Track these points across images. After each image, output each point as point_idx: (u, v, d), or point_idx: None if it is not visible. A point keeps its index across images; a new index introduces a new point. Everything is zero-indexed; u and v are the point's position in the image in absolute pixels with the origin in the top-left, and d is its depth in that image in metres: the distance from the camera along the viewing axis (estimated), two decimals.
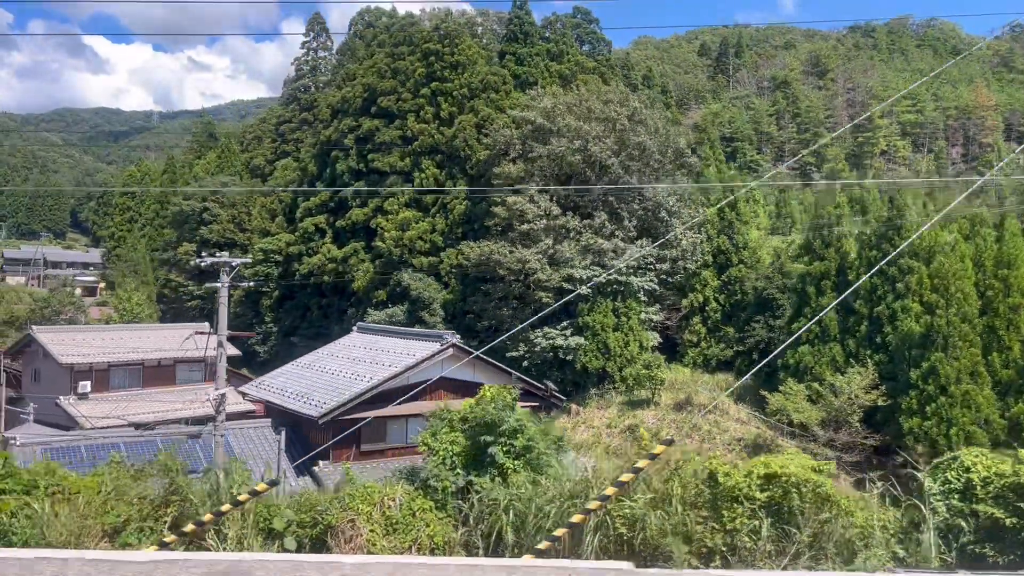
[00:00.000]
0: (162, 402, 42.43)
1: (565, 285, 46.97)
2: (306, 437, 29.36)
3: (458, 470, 10.23)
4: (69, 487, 10.38)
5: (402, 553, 9.29)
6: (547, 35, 61.56)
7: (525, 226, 47.20)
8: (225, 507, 8.40)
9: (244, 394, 33.72)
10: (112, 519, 9.32)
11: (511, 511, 9.25)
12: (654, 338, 48.90)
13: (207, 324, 51.22)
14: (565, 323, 47.81)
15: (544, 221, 47.73)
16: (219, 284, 21.54)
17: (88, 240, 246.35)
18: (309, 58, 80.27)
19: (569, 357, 46.69)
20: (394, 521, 9.50)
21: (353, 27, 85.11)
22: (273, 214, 72.12)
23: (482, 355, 30.95)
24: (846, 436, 35.48)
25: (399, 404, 29.50)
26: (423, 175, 55.66)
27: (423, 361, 28.99)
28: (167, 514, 9.34)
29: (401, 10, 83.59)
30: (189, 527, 8.30)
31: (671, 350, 51.58)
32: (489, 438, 10.19)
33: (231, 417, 43.35)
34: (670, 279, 50.58)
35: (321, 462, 27.84)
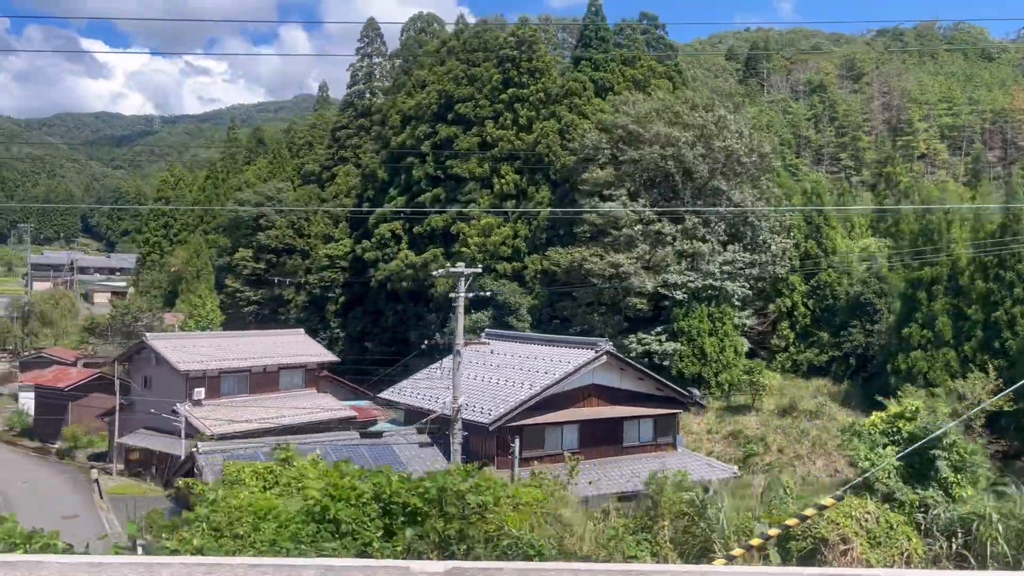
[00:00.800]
0: (271, 408, 42.52)
1: (661, 290, 47.29)
2: (463, 442, 29.51)
3: (900, 483, 10.46)
4: (521, 498, 10.60)
5: (891, 567, 9.50)
6: (620, 40, 61.88)
7: (624, 231, 47.44)
8: (792, 521, 8.62)
9: (388, 401, 33.78)
10: (611, 531, 9.56)
11: (1001, 525, 9.50)
12: (744, 343, 49.18)
13: (301, 330, 51.50)
14: (659, 328, 48.10)
15: (639, 227, 48.00)
16: (458, 294, 21.70)
17: (100, 245, 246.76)
18: (363, 64, 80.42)
19: (665, 363, 46.89)
20: (875, 535, 9.74)
21: (404, 33, 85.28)
22: (336, 220, 72.27)
23: (635, 364, 31.23)
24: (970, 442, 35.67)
25: (555, 412, 29.82)
26: (503, 181, 55.91)
27: (581, 368, 29.23)
28: (661, 527, 9.57)
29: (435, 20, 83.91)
30: (755, 541, 8.50)
31: (755, 355, 51.78)
32: (936, 452, 10.42)
33: (336, 424, 43.54)
34: (757, 284, 50.86)
35: (486, 469, 28.03)
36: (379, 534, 9.67)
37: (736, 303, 48.36)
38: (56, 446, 46.01)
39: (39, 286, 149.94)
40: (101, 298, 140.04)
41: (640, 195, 50.00)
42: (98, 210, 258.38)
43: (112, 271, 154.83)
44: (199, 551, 9.23)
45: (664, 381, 32.25)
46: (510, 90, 57.26)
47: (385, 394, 34.01)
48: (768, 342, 51.82)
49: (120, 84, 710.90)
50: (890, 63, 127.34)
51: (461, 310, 23.45)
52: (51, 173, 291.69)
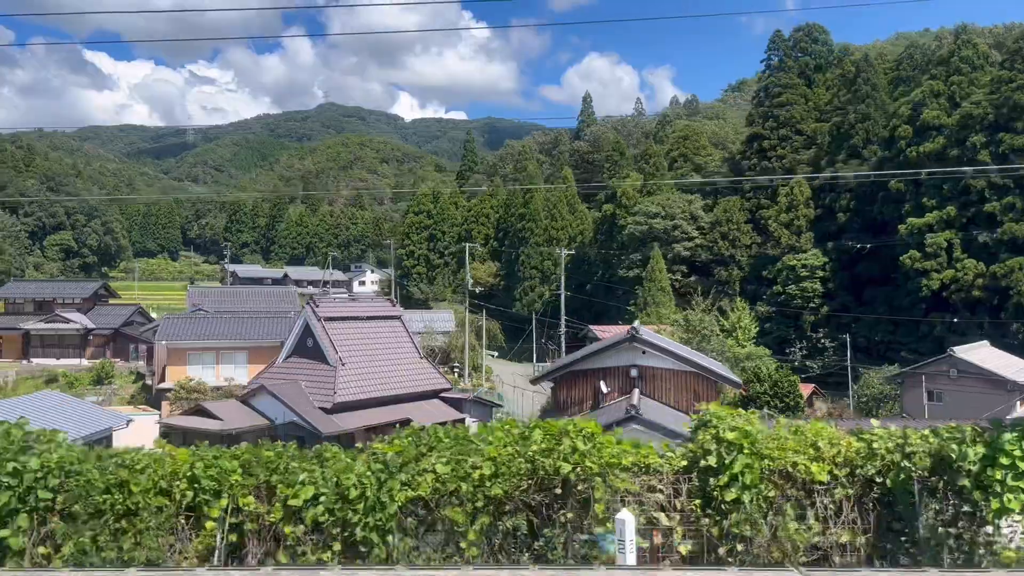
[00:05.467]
0: None
1: None
2: None
3: None
4: None
5: None
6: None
7: None
8: None
9: None
10: None
11: None
12: None
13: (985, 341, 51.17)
14: None
15: None
16: None
17: (206, 257, 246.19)
18: (772, 76, 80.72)
19: None
20: None
21: (787, 44, 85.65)
22: (798, 231, 72.26)
23: None
24: None
25: None
26: None
27: None
28: None
29: None
30: None
31: None
32: None
33: None
34: None
35: None
36: None
37: None
38: None
39: None
40: None
41: None
42: (196, 223, 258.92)
43: (324, 284, 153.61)
44: None
45: None
46: None
47: None
48: None
49: (133, 97, 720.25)
50: None
51: None
52: (129, 185, 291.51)
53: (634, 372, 33.77)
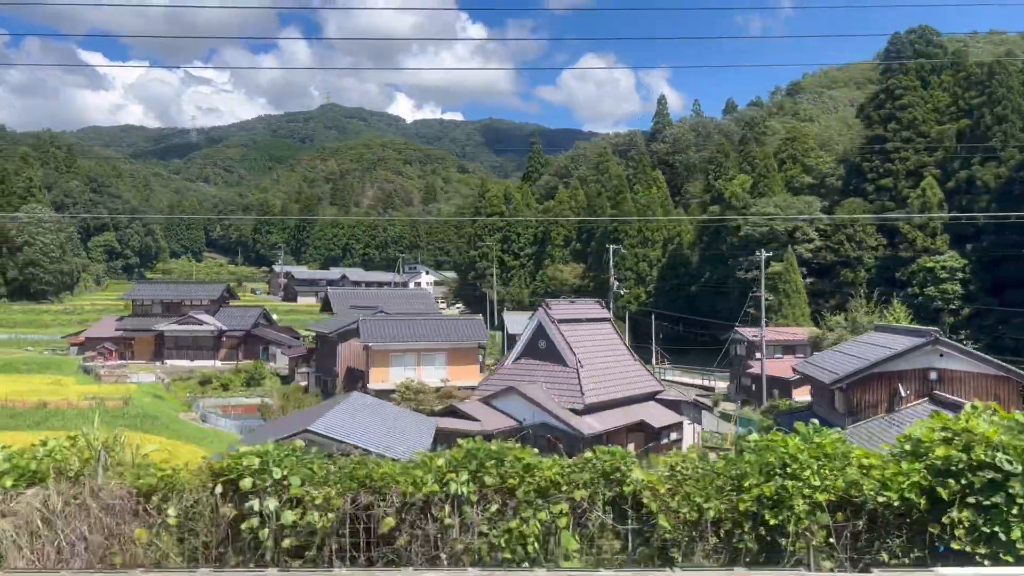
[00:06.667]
0: None
1: None
2: None
3: None
4: None
5: None
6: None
7: None
8: None
9: None
10: None
11: None
12: None
13: None
14: None
15: None
16: None
17: (238, 259, 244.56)
18: (893, 77, 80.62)
19: None
20: None
21: (895, 47, 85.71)
22: (932, 232, 72.08)
23: None
24: None
25: None
26: None
27: None
28: None
29: None
30: None
31: None
32: None
33: None
34: None
35: None
36: None
37: None
38: None
39: (303, 301, 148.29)
40: None
41: None
42: (220, 224, 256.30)
43: (380, 284, 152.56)
44: None
45: None
46: None
47: None
48: None
49: (129, 97, 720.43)
50: None
51: None
52: (146, 186, 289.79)
53: (933, 375, 33.42)
